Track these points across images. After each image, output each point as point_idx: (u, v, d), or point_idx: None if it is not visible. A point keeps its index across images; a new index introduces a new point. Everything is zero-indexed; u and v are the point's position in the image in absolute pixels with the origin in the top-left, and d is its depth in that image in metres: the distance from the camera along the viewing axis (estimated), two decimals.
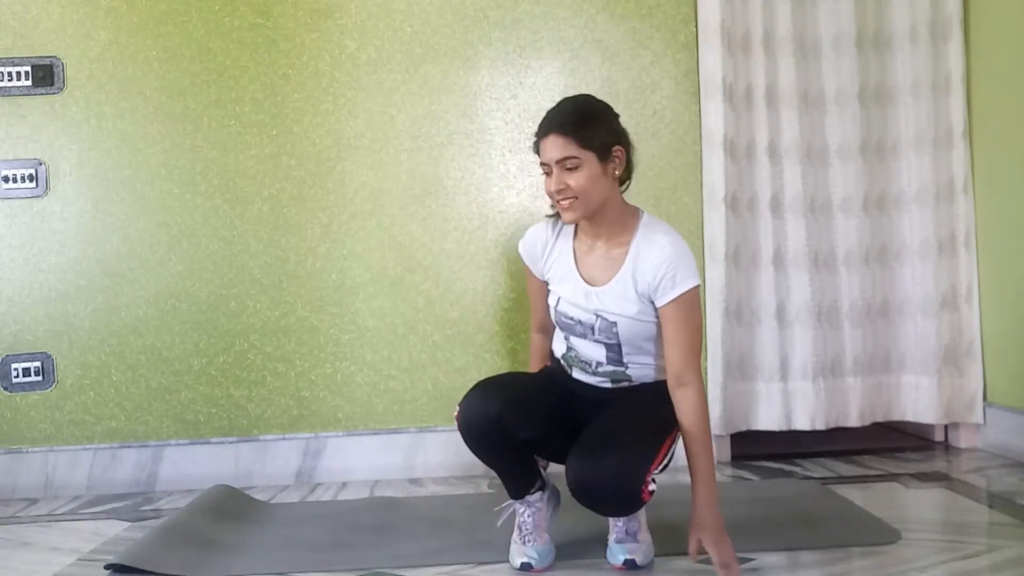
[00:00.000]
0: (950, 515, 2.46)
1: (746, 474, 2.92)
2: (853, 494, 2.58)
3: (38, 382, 3.00)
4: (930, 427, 3.29)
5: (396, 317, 3.07)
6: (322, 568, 2.12)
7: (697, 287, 1.99)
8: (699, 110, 3.09)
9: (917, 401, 3.17)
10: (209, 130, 3.04)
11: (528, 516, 2.11)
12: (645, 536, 2.07)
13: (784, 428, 3.09)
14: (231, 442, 3.04)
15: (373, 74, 3.07)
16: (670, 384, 1.99)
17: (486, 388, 2.01)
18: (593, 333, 2.05)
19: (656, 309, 2.00)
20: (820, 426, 3.08)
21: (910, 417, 3.19)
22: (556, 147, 1.98)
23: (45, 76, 2.98)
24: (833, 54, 3.13)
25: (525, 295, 3.03)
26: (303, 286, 3.06)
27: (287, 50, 3.05)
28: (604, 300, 2.03)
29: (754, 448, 3.17)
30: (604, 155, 1.99)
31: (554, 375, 2.19)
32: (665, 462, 1.99)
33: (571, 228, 2.13)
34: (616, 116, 2.07)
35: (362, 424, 3.06)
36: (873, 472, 2.89)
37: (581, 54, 3.10)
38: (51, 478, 3.00)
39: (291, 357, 3.06)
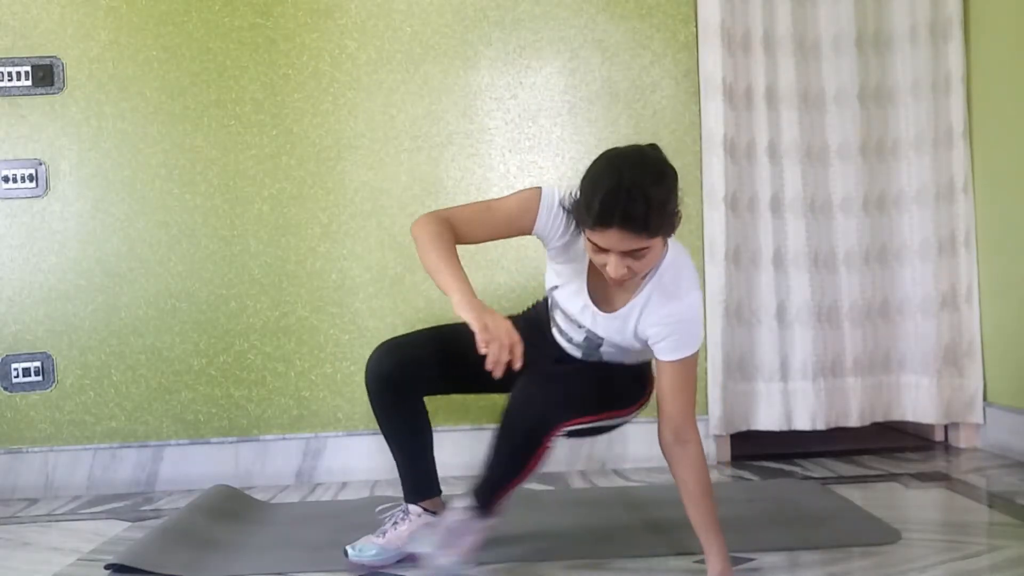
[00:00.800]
0: (950, 515, 2.46)
1: (746, 474, 2.92)
2: (853, 494, 2.57)
3: (38, 382, 3.00)
4: (930, 427, 3.29)
5: (396, 317, 3.06)
6: (322, 568, 2.12)
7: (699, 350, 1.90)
8: (699, 110, 3.09)
9: (917, 401, 3.17)
10: (209, 130, 3.04)
11: (402, 526, 2.10)
12: (465, 554, 1.93)
13: (784, 428, 3.09)
14: (231, 442, 3.04)
15: (373, 74, 3.07)
16: (667, 439, 1.88)
17: (387, 347, 2.09)
18: (579, 328, 2.00)
19: (648, 346, 1.92)
20: (820, 426, 3.08)
21: (910, 417, 3.19)
22: (622, 241, 1.72)
23: (45, 76, 2.98)
24: (833, 54, 3.13)
25: (525, 295, 3.05)
26: (303, 286, 3.06)
27: (287, 50, 3.05)
28: (598, 324, 1.95)
29: (754, 448, 3.17)
30: (669, 231, 1.81)
31: (530, 322, 2.12)
32: (587, 426, 1.95)
33: None
34: (676, 175, 1.80)
35: (362, 424, 3.06)
36: (873, 472, 2.89)
37: (581, 54, 3.09)
38: (51, 478, 3.00)
39: (291, 357, 3.06)
